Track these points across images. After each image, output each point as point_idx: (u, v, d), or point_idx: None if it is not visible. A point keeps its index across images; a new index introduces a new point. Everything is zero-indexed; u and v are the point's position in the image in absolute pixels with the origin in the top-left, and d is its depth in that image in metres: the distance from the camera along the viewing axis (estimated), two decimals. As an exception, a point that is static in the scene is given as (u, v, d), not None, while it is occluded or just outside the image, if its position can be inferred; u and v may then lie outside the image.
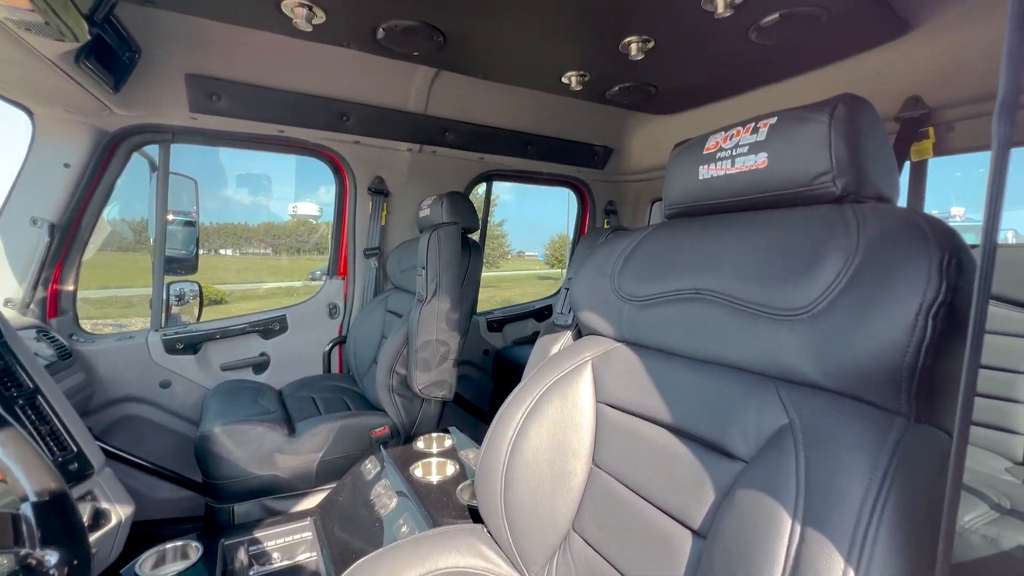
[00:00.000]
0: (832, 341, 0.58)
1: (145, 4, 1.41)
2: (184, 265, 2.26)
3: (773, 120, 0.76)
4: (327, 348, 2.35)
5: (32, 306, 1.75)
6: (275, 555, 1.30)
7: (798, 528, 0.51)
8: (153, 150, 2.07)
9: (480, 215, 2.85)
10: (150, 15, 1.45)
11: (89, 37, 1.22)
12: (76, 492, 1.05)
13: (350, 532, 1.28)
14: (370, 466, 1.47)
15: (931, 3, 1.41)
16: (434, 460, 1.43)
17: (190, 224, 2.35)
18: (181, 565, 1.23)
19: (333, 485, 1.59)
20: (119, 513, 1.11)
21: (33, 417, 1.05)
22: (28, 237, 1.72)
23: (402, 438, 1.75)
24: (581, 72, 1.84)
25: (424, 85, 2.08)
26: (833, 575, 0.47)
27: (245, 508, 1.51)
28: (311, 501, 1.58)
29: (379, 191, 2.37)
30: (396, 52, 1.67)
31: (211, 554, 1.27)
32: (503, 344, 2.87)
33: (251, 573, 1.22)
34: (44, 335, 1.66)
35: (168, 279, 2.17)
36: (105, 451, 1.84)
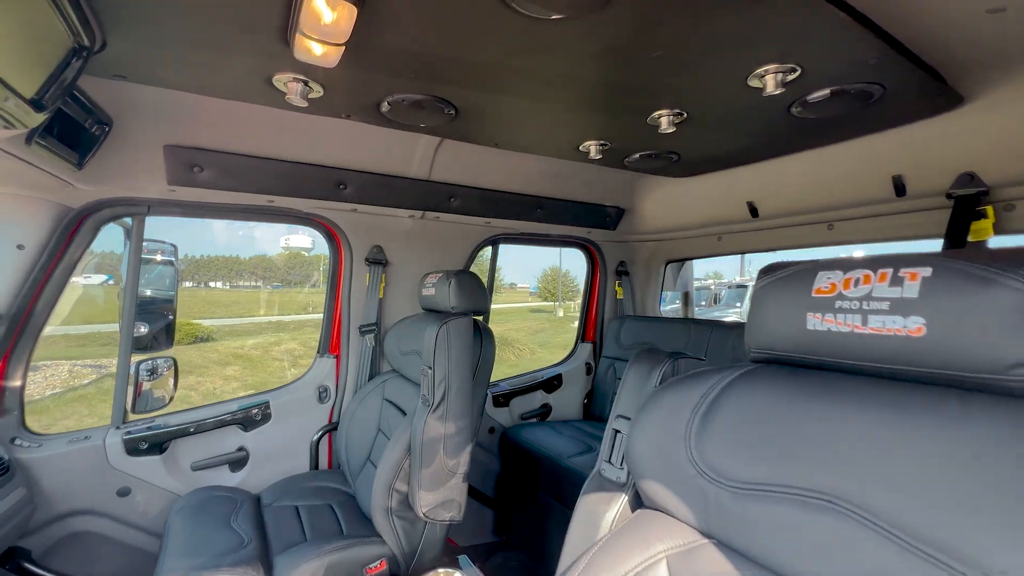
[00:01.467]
0: None
1: (115, 78, 1.22)
2: (161, 308, 2.04)
3: (927, 272, 0.57)
4: (315, 437, 2.08)
5: None
6: None
7: None
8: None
9: (485, 280, 2.66)
10: (124, 84, 1.27)
11: (39, 122, 1.02)
12: None
13: None
14: (364, 625, 1.20)
15: (986, 79, 1.27)
16: (444, 621, 1.16)
17: (169, 263, 2.13)
18: None
19: (317, 640, 1.31)
20: None
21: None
22: (-32, 330, 1.48)
23: (403, 572, 1.48)
24: (602, 142, 1.69)
25: (429, 151, 1.91)
26: None
27: None
28: (290, 663, 1.29)
29: (377, 261, 2.17)
30: (401, 124, 1.51)
31: None
32: (510, 420, 2.62)
33: None
34: (-23, 449, 1.40)
35: (136, 358, 1.92)
36: (45, 580, 1.54)
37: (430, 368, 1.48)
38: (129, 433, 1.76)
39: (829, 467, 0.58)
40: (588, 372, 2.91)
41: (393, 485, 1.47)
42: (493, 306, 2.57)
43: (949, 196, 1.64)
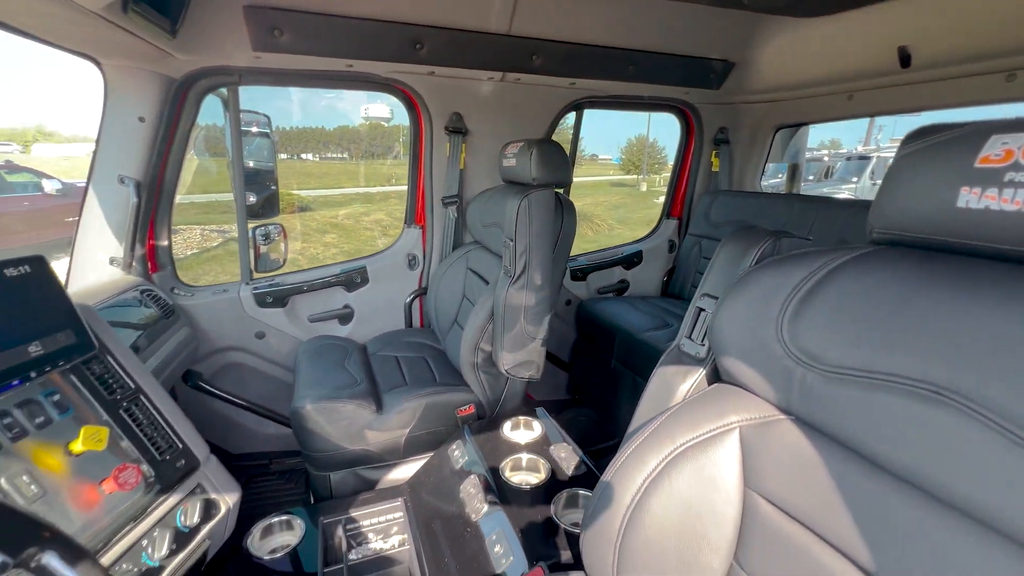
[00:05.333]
0: None
1: None
2: (263, 179, 2.26)
3: None
4: (408, 300, 2.30)
5: (134, 264, 1.80)
6: (370, 535, 1.33)
7: None
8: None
9: (569, 150, 2.52)
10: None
11: (128, -15, 1.03)
12: (186, 488, 1.08)
13: (440, 524, 1.27)
14: (457, 452, 1.43)
15: None
16: (524, 456, 1.35)
17: (265, 135, 2.30)
18: (290, 538, 1.29)
19: (420, 458, 1.60)
20: (227, 501, 1.14)
21: (140, 417, 1.06)
22: (120, 195, 1.71)
23: (488, 417, 1.70)
24: None
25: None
26: None
27: (340, 476, 1.56)
28: (400, 471, 1.61)
29: (457, 130, 2.11)
30: None
31: (314, 521, 1.33)
32: (587, 294, 2.68)
33: (350, 555, 1.26)
34: (149, 295, 1.71)
35: (252, 224, 2.14)
36: (217, 395, 1.98)
37: (511, 240, 1.50)
38: (256, 289, 2.06)
39: (944, 359, 0.53)
40: (671, 250, 2.81)
41: (478, 344, 1.62)
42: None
43: None
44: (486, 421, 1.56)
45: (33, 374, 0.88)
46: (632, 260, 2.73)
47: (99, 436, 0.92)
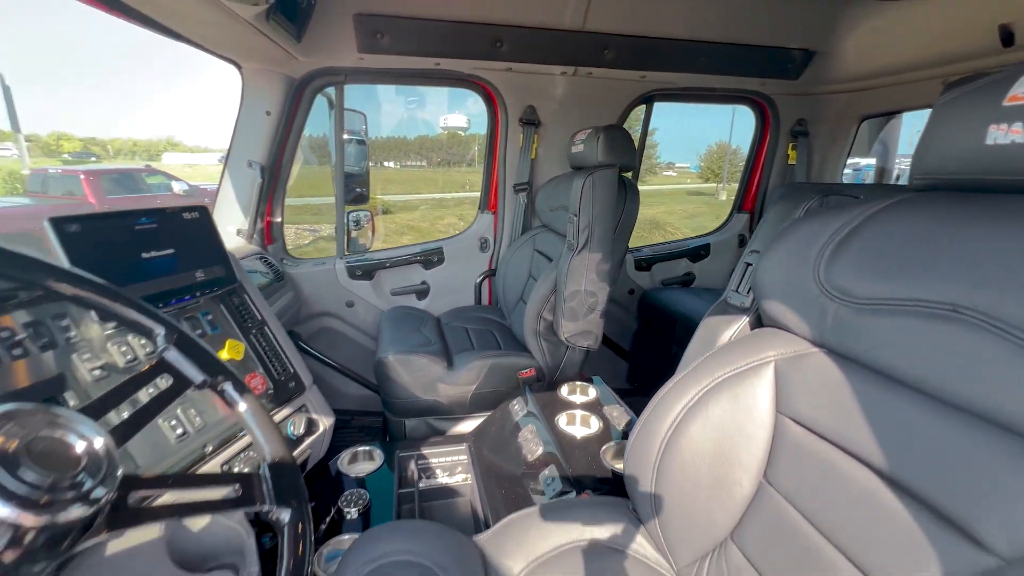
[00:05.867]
0: None
1: None
2: (357, 181, 2.56)
3: None
4: (478, 280, 2.48)
5: (255, 235, 2.13)
6: (437, 471, 1.50)
7: None
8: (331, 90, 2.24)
9: (637, 142, 2.59)
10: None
11: (275, -2, 1.29)
12: (294, 405, 1.31)
13: (499, 466, 1.40)
14: (518, 407, 1.56)
15: None
16: (578, 412, 1.45)
17: (361, 143, 2.60)
18: (370, 466, 1.50)
19: (484, 414, 1.75)
20: (324, 423, 1.36)
21: (263, 343, 1.30)
22: (247, 177, 2.05)
23: (546, 381, 1.82)
24: None
25: None
26: None
27: (414, 423, 1.76)
28: (466, 425, 1.77)
29: (530, 122, 2.27)
30: None
31: (389, 459, 1.52)
32: (650, 284, 2.72)
33: (420, 483, 1.44)
34: (264, 262, 2.03)
35: (347, 208, 2.44)
36: (313, 355, 2.28)
37: (576, 216, 1.62)
38: (349, 262, 2.34)
39: (963, 281, 0.58)
40: (740, 244, 2.77)
41: (541, 313, 1.75)
42: (644, 188, 2.53)
43: None
44: (545, 384, 1.68)
45: (198, 293, 1.14)
46: (699, 253, 2.73)
47: (238, 348, 1.17)
